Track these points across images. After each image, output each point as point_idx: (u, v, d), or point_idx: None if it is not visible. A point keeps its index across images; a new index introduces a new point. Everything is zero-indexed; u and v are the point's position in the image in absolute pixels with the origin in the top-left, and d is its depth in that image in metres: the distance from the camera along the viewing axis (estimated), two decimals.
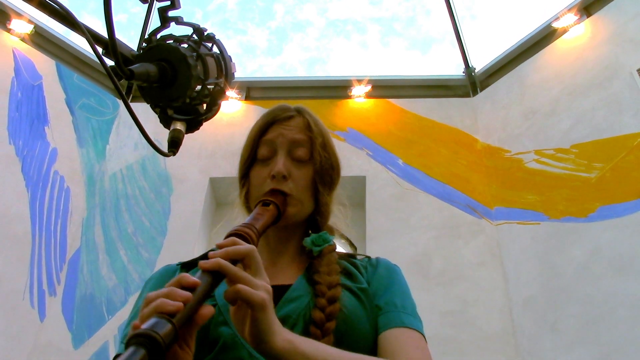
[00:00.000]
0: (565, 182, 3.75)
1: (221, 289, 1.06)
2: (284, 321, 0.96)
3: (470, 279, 3.78)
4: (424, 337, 1.08)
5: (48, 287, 3.79)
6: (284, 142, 1.21)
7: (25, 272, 3.70)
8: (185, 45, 0.78)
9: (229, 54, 0.84)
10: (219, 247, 0.86)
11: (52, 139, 4.18)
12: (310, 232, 1.27)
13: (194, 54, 0.77)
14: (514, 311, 3.62)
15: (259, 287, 0.80)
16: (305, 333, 0.97)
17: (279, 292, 1.03)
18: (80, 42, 4.75)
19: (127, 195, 4.33)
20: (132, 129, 4.65)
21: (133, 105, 0.77)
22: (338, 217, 1.34)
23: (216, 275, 0.79)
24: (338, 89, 4.95)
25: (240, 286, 0.78)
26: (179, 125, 0.84)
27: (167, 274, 1.23)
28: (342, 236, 1.43)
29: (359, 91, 4.80)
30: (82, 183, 4.28)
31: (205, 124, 0.90)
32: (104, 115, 4.65)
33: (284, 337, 0.81)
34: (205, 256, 1.11)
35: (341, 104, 4.81)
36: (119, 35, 0.72)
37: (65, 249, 4.00)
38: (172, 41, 0.78)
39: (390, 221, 4.09)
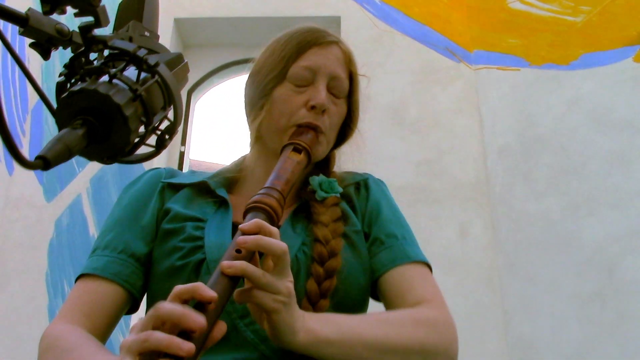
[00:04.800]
0: (549, 25, 3.57)
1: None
2: None
3: (446, 126, 3.73)
4: (428, 265, 1.06)
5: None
6: (326, 73, 1.10)
7: None
8: (116, 81, 0.58)
9: (170, 73, 0.63)
10: (243, 231, 0.76)
11: None
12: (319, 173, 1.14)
13: (130, 95, 0.57)
14: (489, 159, 3.64)
15: (280, 292, 0.75)
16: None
17: None
18: None
19: None
20: None
21: None
22: None
23: (236, 279, 0.72)
24: None
25: (255, 292, 0.74)
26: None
27: (151, 186, 1.13)
28: None
29: None
30: None
31: None
32: None
33: (305, 330, 0.79)
34: (197, 185, 1.11)
35: None
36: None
37: (27, 99, 3.79)
38: (94, 77, 0.56)
39: (365, 65, 3.89)
